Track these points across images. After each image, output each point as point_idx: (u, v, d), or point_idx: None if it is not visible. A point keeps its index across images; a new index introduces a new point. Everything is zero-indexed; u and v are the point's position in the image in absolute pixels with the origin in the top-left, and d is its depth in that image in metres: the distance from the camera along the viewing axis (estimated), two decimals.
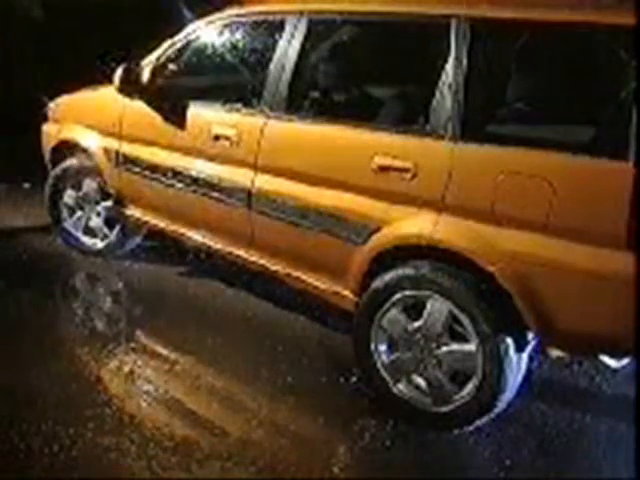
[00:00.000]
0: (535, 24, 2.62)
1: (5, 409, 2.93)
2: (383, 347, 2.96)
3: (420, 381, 2.89)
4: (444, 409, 2.82)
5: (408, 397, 2.91)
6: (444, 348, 2.78)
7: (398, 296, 2.84)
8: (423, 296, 2.79)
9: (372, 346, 2.97)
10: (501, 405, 2.75)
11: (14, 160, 5.71)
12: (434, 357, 2.80)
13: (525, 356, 2.74)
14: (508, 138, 2.64)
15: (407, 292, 2.82)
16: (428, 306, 2.78)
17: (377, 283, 2.90)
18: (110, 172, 4.16)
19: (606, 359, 2.84)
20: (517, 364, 2.69)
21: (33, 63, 7.17)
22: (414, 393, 2.91)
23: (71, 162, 4.43)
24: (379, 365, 2.97)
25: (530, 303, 2.56)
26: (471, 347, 2.70)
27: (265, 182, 3.33)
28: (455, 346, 2.76)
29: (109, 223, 4.40)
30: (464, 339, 2.73)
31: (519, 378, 2.75)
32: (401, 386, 2.93)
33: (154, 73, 3.86)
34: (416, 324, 2.83)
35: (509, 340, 2.64)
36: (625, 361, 2.75)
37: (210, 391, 3.13)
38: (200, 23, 3.75)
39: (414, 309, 2.85)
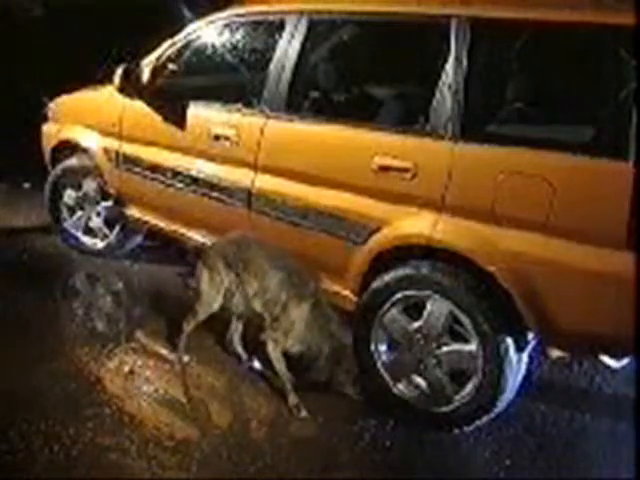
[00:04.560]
0: (535, 24, 2.62)
1: (5, 409, 2.93)
2: (383, 347, 2.96)
3: (420, 381, 2.89)
4: (444, 409, 2.82)
5: (408, 397, 2.91)
6: (444, 348, 2.78)
7: (398, 296, 2.84)
8: (423, 296, 2.79)
9: (372, 346, 2.97)
10: (501, 405, 2.75)
11: (14, 160, 5.70)
12: (434, 357, 2.80)
13: (525, 356, 2.74)
14: (508, 138, 2.65)
15: (407, 292, 2.82)
16: (428, 306, 2.78)
17: (377, 283, 2.90)
18: (110, 172, 4.16)
19: (606, 359, 2.84)
20: (517, 364, 2.69)
21: (33, 63, 7.16)
22: (414, 393, 2.91)
23: (71, 162, 4.43)
24: (379, 365, 2.97)
25: (530, 303, 2.56)
26: (471, 347, 2.70)
27: (265, 182, 3.33)
28: (455, 346, 2.76)
29: (109, 223, 4.40)
30: (464, 339, 2.73)
31: (519, 378, 2.75)
32: (401, 386, 2.93)
33: (154, 73, 3.86)
34: (416, 324, 2.82)
35: (509, 340, 2.64)
36: (625, 361, 2.75)
37: (210, 391, 3.13)
38: (200, 23, 3.76)
39: (415, 309, 2.85)
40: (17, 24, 7.46)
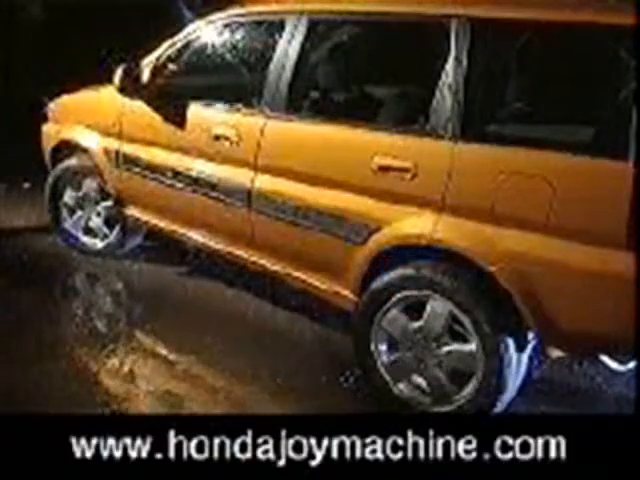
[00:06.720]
0: (535, 24, 2.62)
1: (4, 409, 2.93)
2: (383, 347, 2.96)
3: (420, 381, 2.89)
4: (444, 409, 2.82)
5: (408, 397, 2.91)
6: (444, 348, 2.78)
7: (398, 296, 2.84)
8: (423, 296, 2.78)
9: (372, 346, 2.96)
10: (501, 405, 2.75)
11: (14, 160, 5.71)
12: (434, 357, 2.80)
13: (525, 357, 2.74)
14: (508, 138, 2.64)
15: (407, 292, 2.82)
16: (428, 307, 2.78)
17: (377, 283, 2.90)
18: (110, 172, 4.16)
19: (610, 362, 2.84)
20: (517, 364, 2.69)
21: (33, 63, 7.17)
22: (414, 393, 2.90)
23: (71, 162, 4.43)
24: (379, 365, 2.96)
25: (530, 303, 2.56)
26: (471, 347, 2.70)
27: (265, 182, 3.32)
28: (455, 346, 2.76)
29: (109, 223, 4.40)
30: (464, 339, 2.73)
31: (519, 378, 2.75)
32: (401, 386, 2.93)
33: (154, 73, 3.86)
34: (416, 324, 2.82)
35: (509, 340, 2.64)
36: (631, 365, 2.74)
37: (210, 391, 3.13)
38: (200, 23, 3.76)
39: (415, 308, 2.84)
40: (17, 24, 7.47)
